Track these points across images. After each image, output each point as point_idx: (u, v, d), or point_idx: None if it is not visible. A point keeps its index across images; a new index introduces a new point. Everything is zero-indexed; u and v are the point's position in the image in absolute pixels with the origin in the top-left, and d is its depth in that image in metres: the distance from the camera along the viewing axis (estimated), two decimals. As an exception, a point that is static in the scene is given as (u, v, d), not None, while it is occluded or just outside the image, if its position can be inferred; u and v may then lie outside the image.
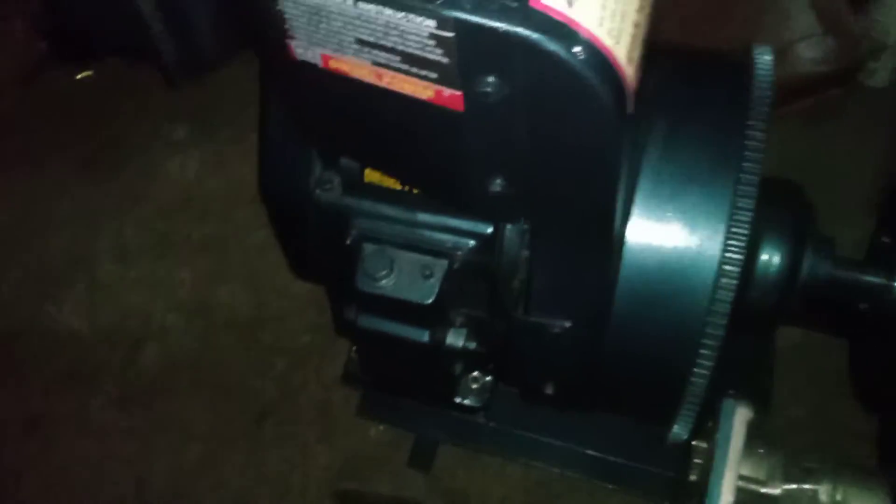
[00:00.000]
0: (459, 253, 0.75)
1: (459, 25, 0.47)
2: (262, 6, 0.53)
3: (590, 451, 1.00)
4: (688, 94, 0.71)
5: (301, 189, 0.82)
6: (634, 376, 0.71)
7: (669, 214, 0.67)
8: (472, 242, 0.75)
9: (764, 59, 0.73)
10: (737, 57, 0.75)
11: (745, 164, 0.67)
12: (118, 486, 1.15)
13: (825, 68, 1.38)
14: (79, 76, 1.57)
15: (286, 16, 0.52)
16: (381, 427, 1.16)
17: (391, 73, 0.53)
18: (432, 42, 0.48)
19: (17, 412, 1.21)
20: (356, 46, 0.52)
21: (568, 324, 0.69)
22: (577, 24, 0.47)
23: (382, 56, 0.52)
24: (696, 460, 0.74)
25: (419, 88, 0.52)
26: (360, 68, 0.54)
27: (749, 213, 0.66)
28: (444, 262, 0.76)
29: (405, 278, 0.76)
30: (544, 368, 0.75)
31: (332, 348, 1.25)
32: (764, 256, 0.76)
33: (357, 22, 0.50)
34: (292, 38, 0.54)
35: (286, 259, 0.98)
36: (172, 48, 0.58)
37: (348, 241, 0.78)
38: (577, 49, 0.47)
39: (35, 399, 1.22)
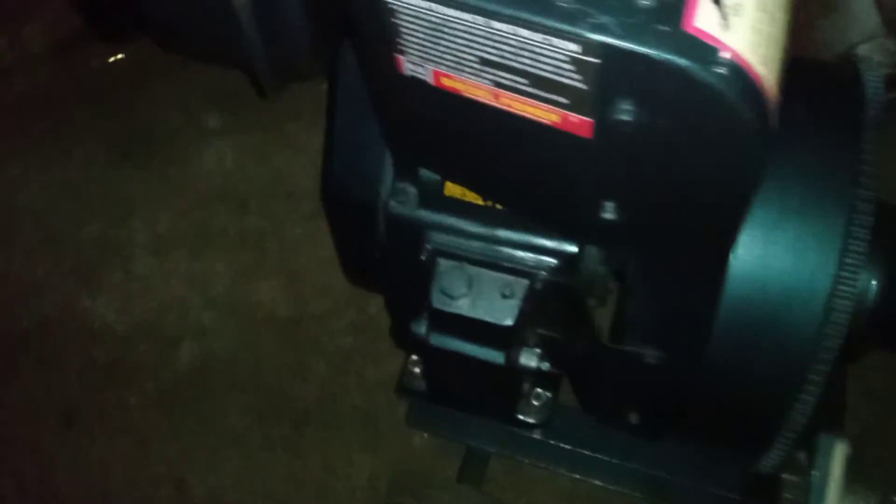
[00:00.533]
0: (542, 272, 0.72)
1: (607, 51, 0.42)
2: (376, 18, 0.48)
3: (648, 470, 0.97)
4: (796, 110, 0.67)
5: (369, 197, 0.78)
6: (730, 408, 0.68)
7: (777, 241, 0.63)
8: (554, 261, 0.72)
9: (873, 75, 0.69)
10: (841, 71, 0.71)
11: (860, 192, 0.63)
12: (158, 487, 1.12)
13: (886, 71, 1.34)
14: (111, 59, 1.52)
15: (402, 30, 0.48)
16: (426, 435, 1.13)
17: (513, 95, 0.49)
18: (571, 67, 0.44)
19: (54, 405, 1.18)
20: (477, 66, 0.48)
21: (664, 354, 0.65)
22: (730, 50, 0.43)
23: (506, 77, 0.48)
24: (787, 495, 0.71)
25: (543, 113, 0.48)
26: (476, 88, 0.50)
27: (864, 245, 0.62)
28: (524, 282, 0.72)
29: (483, 298, 0.73)
30: (631, 398, 0.71)
31: (374, 351, 1.21)
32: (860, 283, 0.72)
33: (484, 41, 0.46)
34: (403, 52, 0.50)
35: (341, 264, 0.94)
36: (266, 54, 0.53)
37: (423, 256, 0.75)
38: (730, 77, 0.43)
39: (71, 393, 1.19)
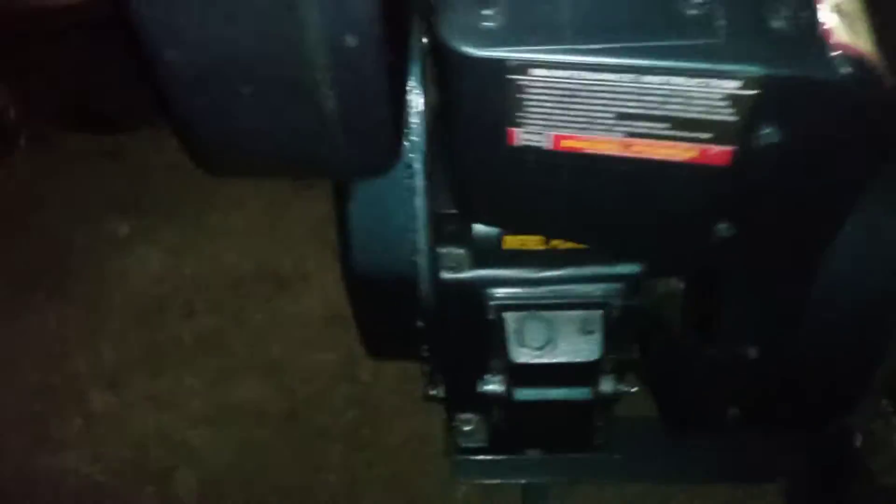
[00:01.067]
0: (614, 300, 0.72)
1: (769, 82, 0.43)
2: (494, 98, 0.46)
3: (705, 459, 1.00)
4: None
5: (404, 270, 0.75)
6: (824, 379, 0.71)
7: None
8: (622, 286, 0.72)
9: None
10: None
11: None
12: None
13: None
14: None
15: (526, 103, 0.47)
16: (464, 487, 1.10)
17: (647, 141, 0.48)
18: (724, 102, 0.45)
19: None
20: (611, 121, 0.47)
21: (764, 348, 0.67)
22: (867, 57, 0.45)
23: (644, 126, 0.47)
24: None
25: (679, 151, 0.48)
26: (603, 143, 0.49)
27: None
28: (599, 313, 0.72)
29: (564, 340, 0.72)
30: (730, 395, 0.73)
31: (381, 417, 1.17)
32: None
33: (627, 97, 0.45)
34: (520, 124, 0.48)
35: (365, 340, 0.90)
36: (352, 157, 0.49)
37: (490, 315, 0.73)
38: (875, 82, 0.45)
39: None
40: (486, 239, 0.70)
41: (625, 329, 0.75)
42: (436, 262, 0.73)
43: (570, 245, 0.70)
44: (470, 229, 0.70)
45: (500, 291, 0.72)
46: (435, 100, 0.64)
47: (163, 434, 1.16)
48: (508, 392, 0.76)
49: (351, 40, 0.44)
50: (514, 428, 0.83)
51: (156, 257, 1.33)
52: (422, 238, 0.74)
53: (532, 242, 0.70)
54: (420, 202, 0.73)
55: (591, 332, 0.72)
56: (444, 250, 0.73)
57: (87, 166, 1.43)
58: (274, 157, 0.54)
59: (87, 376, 1.21)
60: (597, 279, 0.71)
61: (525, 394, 0.75)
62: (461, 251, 0.72)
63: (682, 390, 0.76)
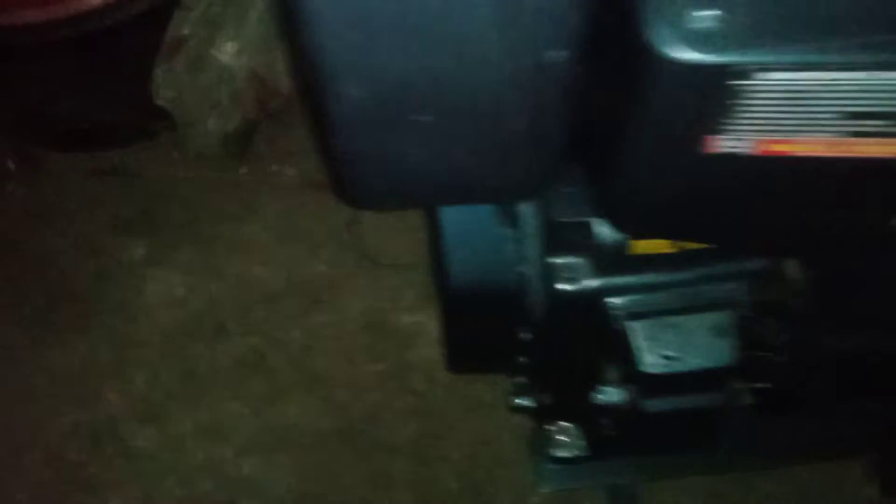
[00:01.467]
0: (743, 298, 0.68)
1: None
2: (703, 105, 0.42)
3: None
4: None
5: (512, 283, 0.71)
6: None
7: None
8: (748, 284, 0.69)
9: None
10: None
11: None
12: None
13: None
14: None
15: (738, 110, 0.42)
16: (545, 491, 1.07)
17: (856, 140, 0.44)
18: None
19: None
20: (831, 121, 0.43)
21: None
22: None
23: (863, 124, 0.43)
24: None
25: (886, 148, 0.45)
26: (815, 144, 0.45)
27: None
28: (729, 314, 0.69)
29: (696, 345, 0.68)
30: (860, 381, 0.70)
31: (444, 428, 1.12)
32: None
33: (855, 95, 0.41)
34: (723, 131, 0.44)
35: (453, 358, 0.84)
36: (527, 179, 0.45)
37: (614, 325, 0.69)
38: None
39: None
40: (609, 246, 0.66)
41: (750, 327, 0.72)
42: (549, 273, 0.68)
43: (695, 245, 0.66)
44: (590, 237, 0.66)
45: (624, 299, 0.68)
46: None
47: (214, 466, 1.09)
48: (635, 403, 0.72)
49: (557, 56, 0.39)
50: (624, 435, 0.80)
51: (178, 278, 1.25)
52: (531, 248, 0.70)
53: (661, 246, 0.66)
54: (528, 211, 0.69)
55: (722, 335, 0.68)
56: (559, 260, 0.68)
57: (87, 187, 1.35)
58: (440, 187, 0.48)
59: (123, 412, 1.14)
60: (725, 278, 0.68)
61: (656, 404, 0.71)
62: (580, 260, 0.68)
63: (809, 382, 0.73)
